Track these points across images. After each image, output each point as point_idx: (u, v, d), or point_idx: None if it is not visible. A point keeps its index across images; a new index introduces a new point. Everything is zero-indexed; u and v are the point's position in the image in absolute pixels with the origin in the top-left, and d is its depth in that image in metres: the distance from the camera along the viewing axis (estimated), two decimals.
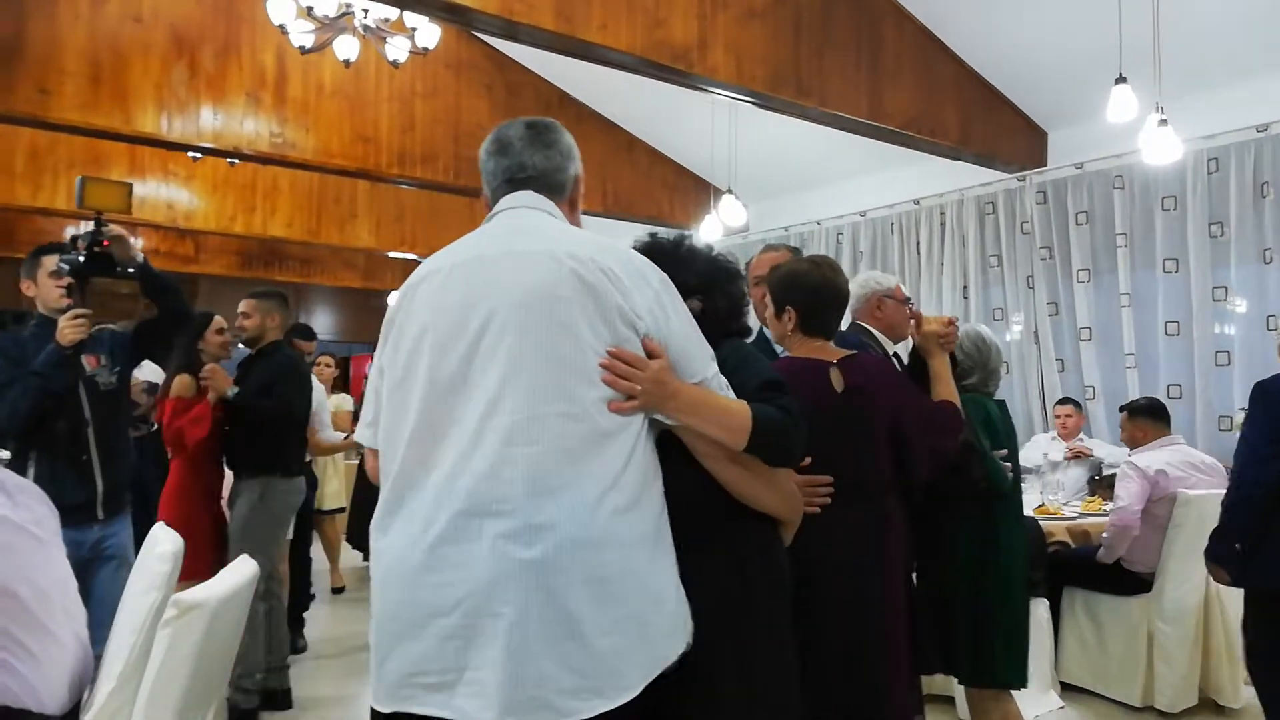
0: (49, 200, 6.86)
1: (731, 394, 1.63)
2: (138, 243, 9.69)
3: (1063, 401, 5.57)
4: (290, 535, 4.63)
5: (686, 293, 1.82)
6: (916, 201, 6.70)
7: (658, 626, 1.47)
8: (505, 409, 1.44)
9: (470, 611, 1.40)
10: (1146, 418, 4.42)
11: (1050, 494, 5.16)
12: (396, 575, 1.47)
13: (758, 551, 1.72)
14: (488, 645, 1.38)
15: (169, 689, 1.78)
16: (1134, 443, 4.43)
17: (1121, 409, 4.67)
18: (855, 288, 3.17)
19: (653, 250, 1.90)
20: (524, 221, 1.61)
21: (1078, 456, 5.31)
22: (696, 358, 1.59)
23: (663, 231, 1.95)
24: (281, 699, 4.02)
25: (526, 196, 1.65)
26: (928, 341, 2.71)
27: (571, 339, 1.46)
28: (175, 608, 1.78)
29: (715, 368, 1.63)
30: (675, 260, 1.88)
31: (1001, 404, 3.02)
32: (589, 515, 1.42)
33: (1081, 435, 5.51)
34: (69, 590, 1.98)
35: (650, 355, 1.52)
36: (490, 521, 1.41)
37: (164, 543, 2.03)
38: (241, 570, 2.12)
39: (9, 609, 1.76)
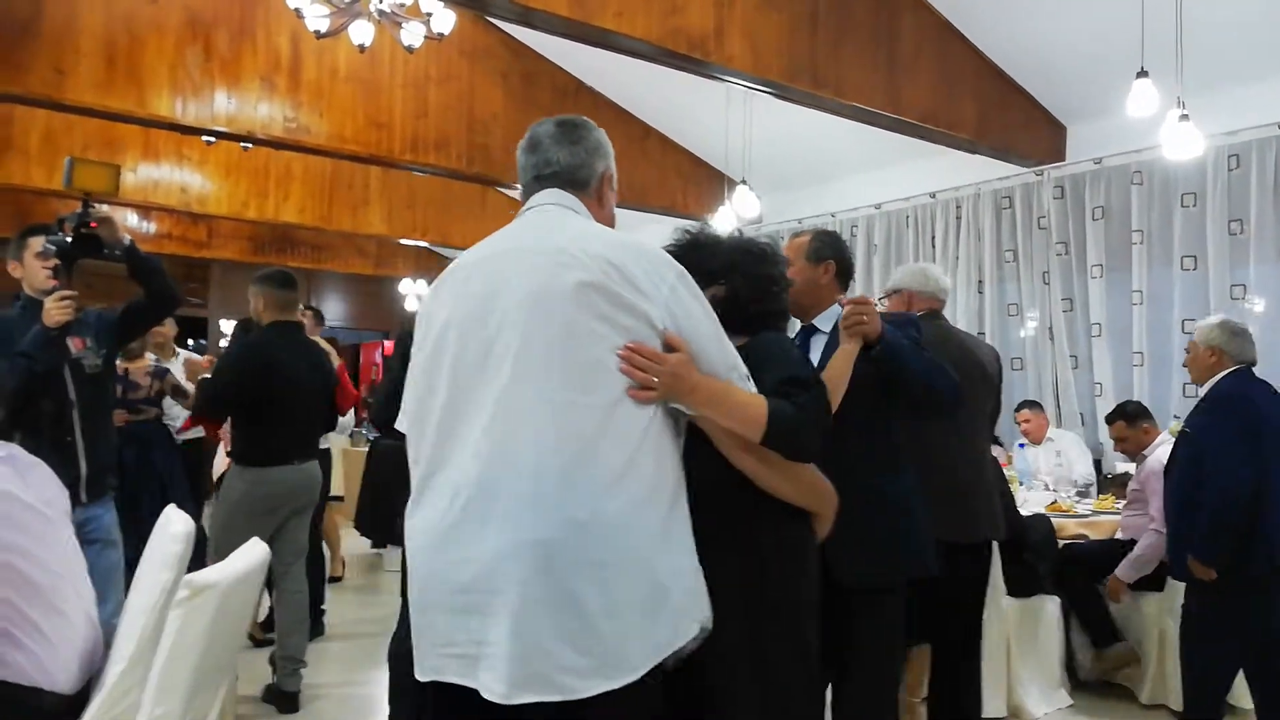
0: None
1: (752, 387, 1.66)
2: (150, 227, 9.77)
3: (1021, 405, 5.54)
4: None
5: (709, 280, 1.84)
6: (932, 195, 6.65)
7: (663, 612, 1.50)
8: (515, 397, 1.51)
9: (482, 589, 1.47)
10: (1146, 419, 4.39)
11: (1064, 491, 5.14)
12: (424, 552, 1.56)
13: (776, 541, 1.76)
14: (499, 622, 1.45)
15: (180, 669, 1.78)
16: (1142, 445, 4.36)
17: (1112, 418, 4.51)
18: (934, 281, 3.18)
19: (680, 245, 1.96)
20: (543, 219, 1.69)
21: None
22: (714, 356, 1.62)
23: (687, 223, 1.98)
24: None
25: (551, 194, 1.72)
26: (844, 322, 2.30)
27: (578, 332, 1.52)
28: (187, 588, 1.77)
29: (737, 367, 1.66)
30: (695, 249, 1.92)
31: None
32: (594, 500, 1.47)
33: (1050, 435, 5.52)
34: (78, 570, 1.98)
35: (670, 349, 1.56)
36: (498, 503, 1.48)
37: (176, 523, 2.03)
38: (252, 553, 2.12)
39: (19, 587, 1.76)
